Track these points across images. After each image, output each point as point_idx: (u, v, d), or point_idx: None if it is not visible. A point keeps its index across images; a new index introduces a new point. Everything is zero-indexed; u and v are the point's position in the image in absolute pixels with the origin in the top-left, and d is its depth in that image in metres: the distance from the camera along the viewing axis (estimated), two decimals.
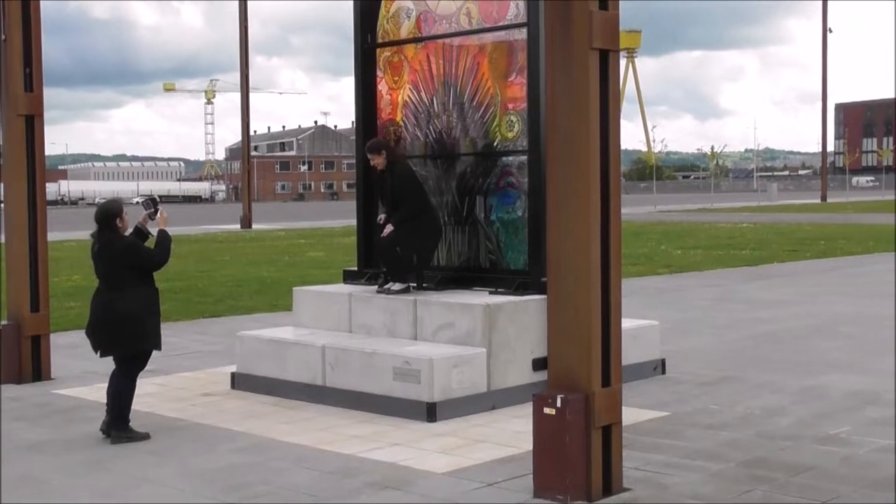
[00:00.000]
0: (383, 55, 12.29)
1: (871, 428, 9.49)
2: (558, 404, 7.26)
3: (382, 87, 12.34)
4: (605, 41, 6.87)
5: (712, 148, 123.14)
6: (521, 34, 10.91)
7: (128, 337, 9.61)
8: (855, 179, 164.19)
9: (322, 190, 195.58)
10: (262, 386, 11.53)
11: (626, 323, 12.04)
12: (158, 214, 9.95)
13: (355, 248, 12.88)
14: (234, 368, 12.13)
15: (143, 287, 9.67)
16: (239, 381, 11.85)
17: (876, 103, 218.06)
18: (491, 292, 11.12)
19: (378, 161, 11.43)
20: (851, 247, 32.74)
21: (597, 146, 6.95)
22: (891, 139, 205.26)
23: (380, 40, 12.30)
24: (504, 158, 11.34)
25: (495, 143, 11.39)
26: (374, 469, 8.42)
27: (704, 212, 68.66)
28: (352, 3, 12.51)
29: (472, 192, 11.61)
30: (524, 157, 11.01)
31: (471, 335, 10.55)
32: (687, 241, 36.34)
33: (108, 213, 9.66)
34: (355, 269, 12.66)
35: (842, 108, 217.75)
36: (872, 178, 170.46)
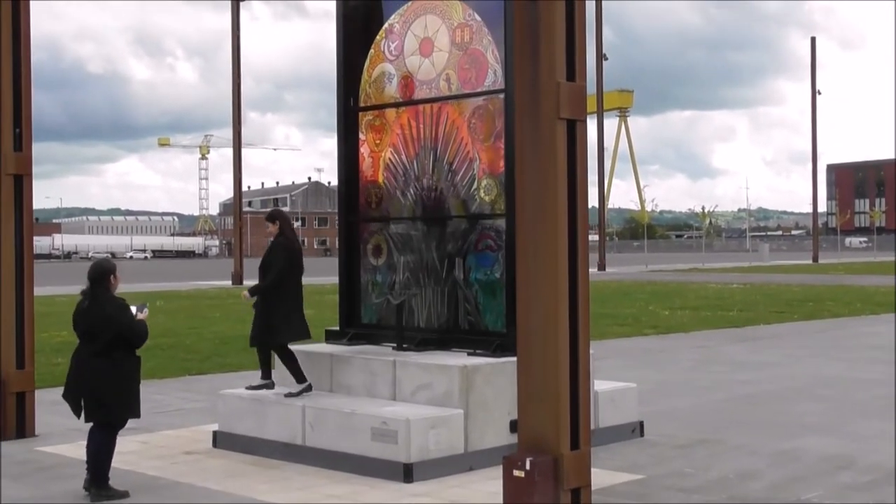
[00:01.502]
0: (365, 118, 12.51)
1: (842, 493, 9.58)
2: (527, 466, 7.37)
3: (364, 149, 12.55)
4: (573, 111, 7.06)
5: (703, 208, 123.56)
6: (499, 100, 11.13)
7: (111, 406, 9.69)
8: (848, 240, 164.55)
9: (315, 246, 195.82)
10: (243, 444, 11.60)
11: (604, 385, 12.22)
12: (143, 313, 10.08)
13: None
14: (216, 427, 12.21)
15: (126, 354, 9.76)
16: (220, 440, 11.93)
17: (868, 164, 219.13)
18: (469, 353, 11.24)
19: (272, 230, 11.66)
20: (839, 308, 32.86)
21: (564, 212, 7.11)
22: (882, 200, 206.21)
23: (362, 104, 12.53)
24: (482, 221, 11.51)
25: (474, 206, 11.57)
26: None
27: (695, 272, 68.83)
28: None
29: (450, 254, 11.76)
30: (502, 221, 11.18)
31: (448, 396, 10.66)
32: (675, 302, 36.46)
33: (103, 271, 9.77)
34: (337, 328, 12.78)
35: (833, 169, 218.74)
36: (865, 239, 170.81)
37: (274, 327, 11.44)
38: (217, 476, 10.52)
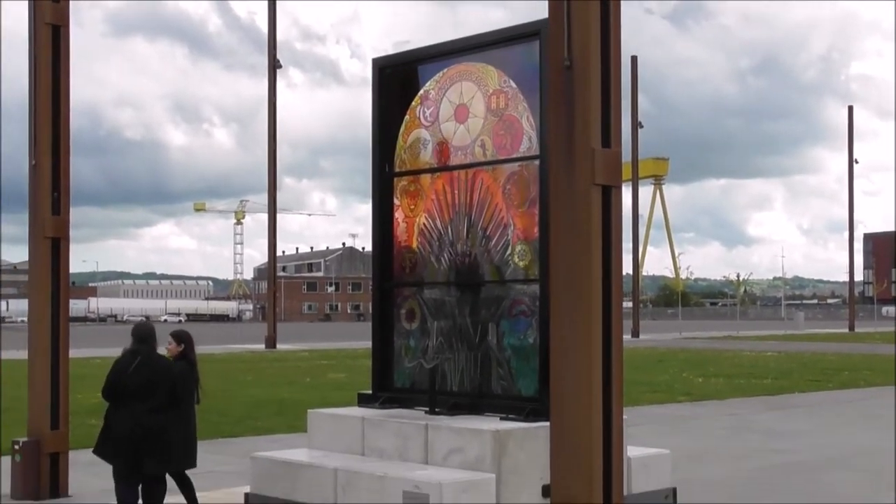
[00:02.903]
0: (400, 184, 12.59)
1: None
2: None
3: (399, 214, 12.62)
4: (608, 177, 7.11)
5: (738, 275, 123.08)
6: (534, 166, 11.20)
7: (185, 455, 10.00)
8: (885, 309, 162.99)
9: (349, 311, 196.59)
10: None
11: (637, 451, 12.13)
12: None
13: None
14: (247, 489, 12.21)
15: (175, 407, 10.08)
16: (252, 503, 11.92)
17: None
18: (502, 418, 11.22)
19: (173, 349, 11.18)
20: (875, 377, 32.59)
21: (599, 278, 7.15)
22: None
23: (397, 170, 12.62)
24: (516, 286, 11.53)
25: (508, 272, 11.60)
26: None
27: (729, 339, 68.43)
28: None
29: (484, 319, 11.77)
30: (536, 286, 11.20)
31: (480, 461, 10.63)
32: (709, 369, 36.25)
33: (151, 330, 10.25)
34: (370, 392, 12.79)
35: (871, 238, 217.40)
36: None
37: (173, 453, 10.79)
38: None
